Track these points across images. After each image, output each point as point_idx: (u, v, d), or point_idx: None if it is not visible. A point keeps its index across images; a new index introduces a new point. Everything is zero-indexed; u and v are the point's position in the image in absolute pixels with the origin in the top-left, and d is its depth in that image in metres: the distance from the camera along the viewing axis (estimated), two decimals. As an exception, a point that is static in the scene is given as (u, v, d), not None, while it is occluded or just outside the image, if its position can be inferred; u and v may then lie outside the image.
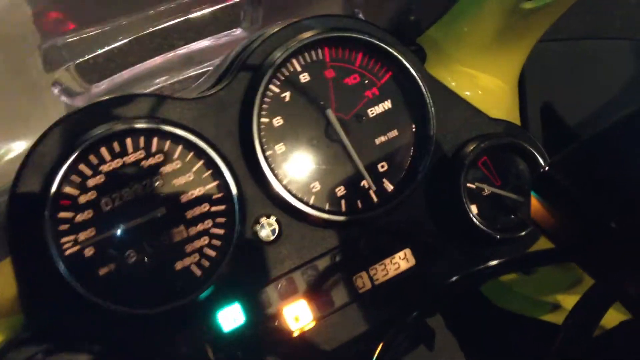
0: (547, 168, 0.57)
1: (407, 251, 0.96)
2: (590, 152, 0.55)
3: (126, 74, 1.08)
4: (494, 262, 0.63)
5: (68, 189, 0.81)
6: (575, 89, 1.27)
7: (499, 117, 1.03)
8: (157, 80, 1.17)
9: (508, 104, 1.11)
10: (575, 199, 0.54)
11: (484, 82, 1.07)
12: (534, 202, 0.57)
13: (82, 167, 0.82)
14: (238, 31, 1.14)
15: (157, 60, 1.12)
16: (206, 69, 1.19)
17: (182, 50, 1.13)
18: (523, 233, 0.96)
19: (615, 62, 1.30)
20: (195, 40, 1.12)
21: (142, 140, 0.84)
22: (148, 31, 1.07)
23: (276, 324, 0.89)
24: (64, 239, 0.80)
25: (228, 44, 1.14)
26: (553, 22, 1.03)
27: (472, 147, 0.95)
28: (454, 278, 0.67)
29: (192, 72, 1.23)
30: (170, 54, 1.12)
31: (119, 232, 0.82)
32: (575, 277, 1.06)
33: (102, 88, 1.08)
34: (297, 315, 0.90)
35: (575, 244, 0.56)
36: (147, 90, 1.08)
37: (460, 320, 1.15)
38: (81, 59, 1.03)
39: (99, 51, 1.04)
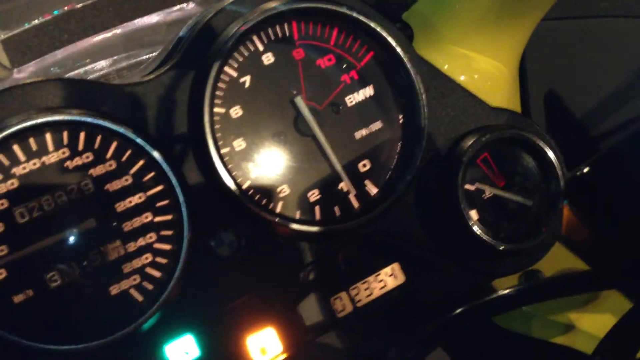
0: (586, 170, 0.45)
1: (395, 266, 0.91)
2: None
3: (57, 55, 0.97)
4: (514, 289, 0.53)
5: None
6: (583, 74, 1.20)
7: (498, 105, 0.97)
8: (98, 65, 1.06)
9: (508, 90, 1.05)
10: (627, 206, 0.43)
11: (481, 65, 1.01)
12: (569, 214, 0.46)
13: (-11, 169, 0.73)
14: (191, 5, 1.04)
15: (96, 39, 1.01)
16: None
17: (125, 27, 1.01)
18: (531, 244, 0.90)
19: (627, 43, 1.22)
20: (140, 16, 1.01)
21: (65, 135, 0.75)
22: (84, 3, 0.95)
23: (238, 357, 0.84)
24: None
25: (181, 20, 1.03)
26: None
27: (470, 142, 0.89)
28: (462, 309, 0.56)
29: (144, 57, 1.12)
30: (111, 32, 1.01)
31: (37, 250, 0.74)
32: (589, 294, 0.98)
33: (27, 72, 0.97)
34: (264, 347, 0.84)
35: (626, 266, 0.44)
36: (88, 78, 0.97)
37: (458, 342, 1.06)
38: (1, 36, 0.91)
39: (24, 27, 0.91)
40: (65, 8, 1.00)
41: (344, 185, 0.86)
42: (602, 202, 0.47)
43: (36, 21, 0.97)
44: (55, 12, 0.99)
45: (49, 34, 1.01)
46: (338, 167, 0.85)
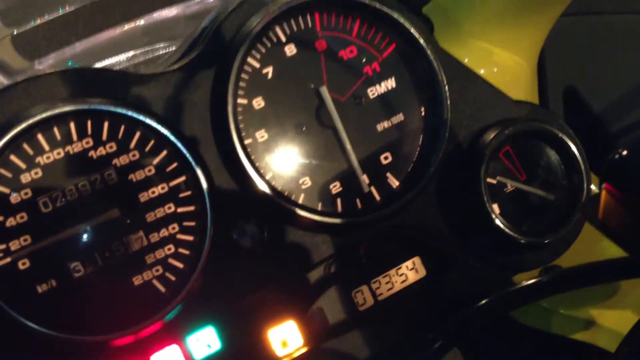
0: (625, 152, 0.45)
1: (416, 260, 0.90)
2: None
3: (76, 48, 0.96)
4: (545, 278, 0.52)
5: None
6: (601, 69, 1.21)
7: (517, 98, 0.96)
8: (117, 59, 1.05)
9: (527, 84, 1.04)
10: None
11: (501, 59, 1.00)
12: (607, 198, 0.45)
13: (14, 158, 0.73)
14: (210, -2, 1.03)
15: (115, 33, 1.00)
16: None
17: (145, 21, 1.01)
18: (554, 237, 0.89)
19: None
20: (160, 9, 1.00)
21: (89, 124, 0.75)
22: (102, -3, 0.95)
23: (259, 350, 0.83)
24: None
25: (200, 14, 1.03)
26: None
27: (493, 135, 0.88)
28: (483, 302, 0.55)
29: (162, 51, 1.11)
30: (131, 26, 1.00)
31: (60, 240, 0.74)
32: (611, 287, 0.99)
33: (47, 64, 0.97)
34: (285, 339, 0.84)
35: None
36: (104, 69, 0.96)
37: (478, 338, 1.04)
38: (21, 29, 0.91)
39: (44, 19, 0.91)
40: (80, 2, 1.00)
41: (365, 178, 0.85)
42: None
43: (54, 15, 0.97)
44: (69, 6, 0.99)
45: (67, 28, 1.01)
46: (354, 161, 0.84)
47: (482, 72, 0.96)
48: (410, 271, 0.89)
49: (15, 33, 0.93)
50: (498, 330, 1.04)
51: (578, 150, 0.90)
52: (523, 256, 0.91)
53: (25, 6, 0.93)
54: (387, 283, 0.88)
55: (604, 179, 0.48)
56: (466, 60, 0.96)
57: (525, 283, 0.74)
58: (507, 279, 0.93)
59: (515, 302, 0.78)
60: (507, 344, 1.05)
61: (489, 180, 0.88)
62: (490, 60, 0.99)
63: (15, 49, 0.93)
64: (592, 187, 0.92)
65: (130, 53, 1.11)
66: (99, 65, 1.06)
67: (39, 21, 0.94)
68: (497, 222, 0.86)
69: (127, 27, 1.01)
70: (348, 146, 0.84)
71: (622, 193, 0.47)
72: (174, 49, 0.99)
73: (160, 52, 1.12)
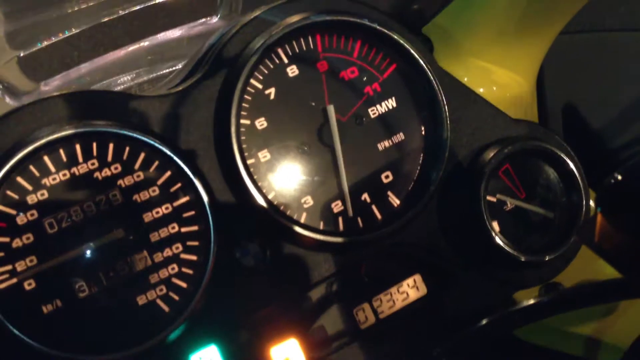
0: (620, 177, 0.45)
1: (417, 278, 0.90)
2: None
3: (81, 69, 0.97)
4: (538, 300, 0.52)
5: (2, 208, 0.73)
6: (600, 86, 1.22)
7: (516, 117, 0.96)
8: (122, 79, 1.06)
9: (526, 103, 1.05)
10: None
11: (500, 77, 1.01)
12: (602, 222, 0.46)
13: (20, 180, 0.73)
14: (214, 19, 1.05)
15: (119, 53, 1.01)
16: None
17: (149, 42, 1.02)
18: (554, 255, 0.89)
19: None
20: (164, 30, 1.01)
21: (94, 146, 0.76)
22: (107, 18, 0.96)
23: None
24: None
25: (203, 35, 1.04)
26: (577, 9, 0.96)
27: (493, 153, 0.89)
28: (483, 321, 0.56)
29: (166, 70, 1.13)
30: (135, 47, 1.01)
31: (66, 260, 0.74)
32: (611, 304, 0.97)
33: (53, 86, 0.97)
34: (287, 358, 0.82)
35: None
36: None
37: (479, 355, 1.04)
38: (26, 51, 0.92)
39: (50, 41, 0.92)
40: (88, 24, 1.00)
41: (366, 197, 0.86)
42: (636, 209, 0.47)
43: (60, 37, 0.97)
44: (74, 29, 0.99)
45: (72, 50, 1.02)
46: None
47: (481, 90, 0.97)
48: (411, 289, 0.89)
49: (21, 55, 0.94)
50: (500, 348, 1.04)
51: (576, 168, 0.90)
52: (523, 273, 0.91)
53: (31, 29, 0.94)
54: (388, 301, 0.88)
55: (599, 203, 0.48)
56: (465, 80, 0.96)
57: (526, 303, 0.74)
58: (507, 296, 0.93)
59: (516, 322, 0.78)
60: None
61: (488, 198, 0.88)
62: (490, 79, 1.00)
63: (22, 71, 0.94)
64: (592, 204, 0.92)
65: (135, 73, 1.12)
66: (103, 85, 1.07)
67: (45, 43, 0.95)
68: (497, 239, 0.86)
69: (131, 48, 1.02)
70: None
71: (617, 218, 0.47)
72: (177, 68, 1.00)
73: (165, 72, 1.13)
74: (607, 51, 1.25)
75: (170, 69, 1.10)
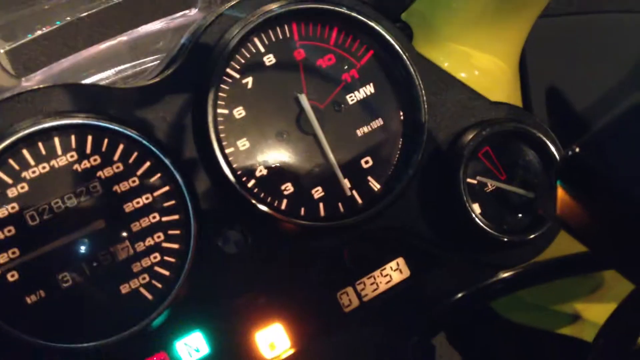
0: (577, 149, 0.46)
1: (400, 260, 0.90)
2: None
3: (63, 64, 0.97)
4: (511, 273, 0.53)
5: None
6: (584, 68, 1.20)
7: (499, 100, 0.96)
8: (105, 73, 1.06)
9: (509, 86, 1.05)
10: (620, 185, 0.43)
11: (481, 62, 1.00)
12: (562, 194, 0.47)
13: (0, 174, 0.74)
14: (193, 11, 1.04)
15: (101, 47, 1.01)
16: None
17: (130, 35, 1.02)
18: (534, 235, 0.89)
19: (628, 38, 1.22)
20: (144, 23, 1.01)
21: (73, 138, 0.76)
22: (87, 12, 0.96)
23: (247, 353, 0.84)
24: None
25: (185, 27, 1.04)
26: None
27: (471, 136, 0.89)
28: (462, 294, 0.57)
29: (150, 64, 1.12)
30: (116, 40, 1.01)
31: (48, 251, 0.75)
32: (595, 282, 0.99)
33: (35, 81, 0.97)
34: (272, 342, 0.84)
35: (619, 245, 0.45)
36: (92, 84, 0.97)
37: (462, 336, 1.05)
38: (7, 47, 0.92)
39: (28, 37, 0.92)
40: (68, 18, 1.01)
41: (347, 182, 0.86)
42: (594, 181, 0.47)
43: (40, 32, 0.98)
44: (58, 23, 1.00)
45: (52, 45, 1.02)
46: (335, 165, 0.85)
47: (462, 75, 0.97)
48: (394, 272, 0.90)
49: (1, 52, 0.95)
50: (486, 328, 1.05)
51: (556, 148, 0.91)
52: (505, 254, 0.92)
53: (11, 25, 0.94)
54: (372, 284, 0.89)
55: (558, 176, 0.49)
56: (446, 65, 0.96)
57: (501, 275, 0.75)
58: (491, 277, 0.94)
59: (494, 293, 0.79)
60: (495, 341, 1.06)
61: (469, 180, 0.89)
62: (470, 63, 0.99)
63: (2, 68, 0.94)
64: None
65: (119, 67, 1.12)
66: (87, 80, 1.07)
67: (25, 39, 0.95)
68: (478, 221, 0.87)
69: (113, 42, 1.02)
70: (329, 152, 0.84)
71: (576, 190, 0.48)
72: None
73: (149, 65, 1.13)
74: (592, 33, 1.25)
75: (154, 62, 1.10)
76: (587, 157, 0.48)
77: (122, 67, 1.11)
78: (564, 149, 0.92)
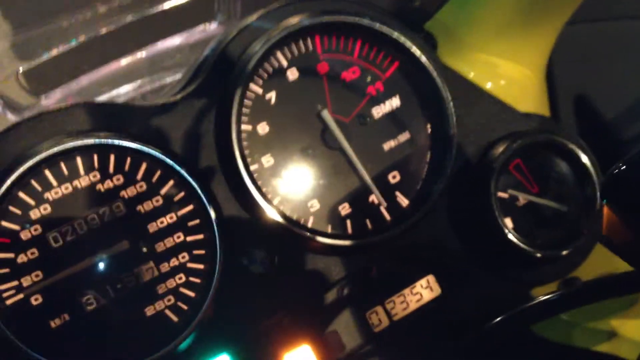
0: (623, 166, 0.44)
1: (430, 278, 0.90)
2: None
3: (82, 81, 0.97)
4: (554, 295, 0.52)
5: (5, 224, 0.73)
6: (612, 76, 1.20)
7: (526, 110, 0.96)
8: (124, 89, 1.06)
9: (536, 95, 1.03)
10: None
11: (507, 71, 1.00)
12: (608, 213, 0.45)
13: (22, 195, 0.73)
14: (213, 26, 1.05)
15: (120, 64, 1.02)
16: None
17: (149, 51, 1.02)
18: (569, 249, 0.88)
19: None
20: (163, 39, 1.01)
21: (95, 158, 0.76)
22: (105, 30, 0.96)
23: None
24: (3, 286, 0.72)
25: (203, 42, 1.04)
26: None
27: (502, 149, 0.88)
28: (500, 318, 0.55)
29: (169, 79, 1.13)
30: (135, 57, 1.02)
31: (72, 274, 0.74)
32: (630, 297, 0.95)
33: (54, 99, 0.98)
34: None
35: None
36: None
37: (497, 353, 1.03)
38: (26, 66, 0.92)
39: (47, 55, 0.92)
40: (85, 35, 1.01)
41: (374, 198, 0.85)
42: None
43: (57, 50, 0.98)
44: (73, 41, 1.00)
45: (71, 63, 1.02)
46: (367, 179, 0.84)
47: (488, 85, 0.97)
48: (424, 290, 0.89)
49: (21, 70, 0.95)
50: (519, 345, 1.02)
51: (590, 160, 0.89)
52: (539, 270, 0.90)
53: (30, 43, 0.95)
54: (401, 303, 0.88)
55: (603, 194, 0.48)
56: (472, 75, 0.96)
57: (542, 298, 0.74)
58: (524, 294, 0.92)
59: (533, 317, 0.77)
60: (527, 358, 1.03)
61: (500, 194, 0.88)
62: (496, 73, 0.99)
63: (21, 86, 0.94)
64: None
65: (138, 83, 1.12)
66: (106, 96, 1.07)
67: (44, 57, 0.95)
68: (510, 236, 0.85)
69: (131, 58, 1.02)
70: (359, 166, 0.84)
71: (622, 209, 0.46)
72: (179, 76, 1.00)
73: (168, 81, 1.14)
74: (618, 40, 1.24)
75: (173, 78, 1.11)
76: (635, 174, 0.47)
77: (141, 82, 1.11)
78: (596, 160, 0.91)
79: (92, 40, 0.99)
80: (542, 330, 1.01)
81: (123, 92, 1.11)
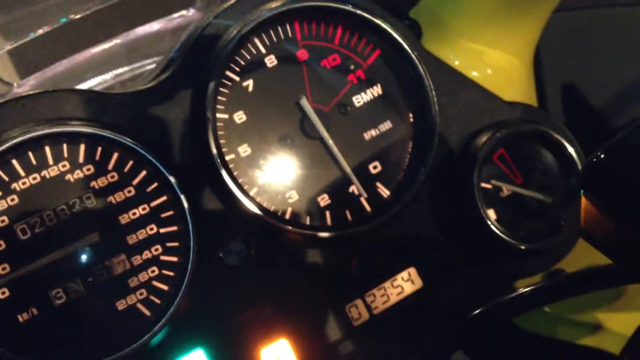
0: (602, 155, 0.43)
1: (412, 271, 0.88)
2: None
3: (57, 69, 0.95)
4: (534, 287, 0.50)
5: None
6: (600, 65, 1.19)
7: (513, 100, 0.95)
8: (102, 77, 1.04)
9: (523, 85, 1.03)
10: None
11: (494, 59, 0.99)
12: (586, 204, 0.43)
13: (-12, 186, 0.72)
14: (191, 12, 1.02)
15: (97, 50, 0.99)
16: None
17: (127, 37, 1.00)
18: (553, 242, 0.87)
19: None
20: (141, 25, 0.99)
21: (65, 147, 0.74)
22: (80, 14, 0.94)
23: None
24: None
25: (183, 28, 1.02)
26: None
27: (485, 138, 0.87)
28: (481, 309, 0.54)
29: (148, 67, 1.11)
30: (112, 43, 0.99)
31: (40, 267, 0.73)
32: (616, 290, 0.97)
33: (27, 86, 0.95)
34: (278, 358, 0.82)
35: None
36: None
37: (480, 346, 1.02)
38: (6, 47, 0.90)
39: (20, 41, 0.90)
40: (64, 19, 0.99)
41: (354, 189, 0.84)
42: (622, 189, 0.44)
43: (35, 34, 0.96)
44: (47, 25, 0.98)
45: (48, 47, 1.00)
46: (347, 169, 0.83)
47: (474, 74, 0.96)
48: (406, 282, 0.87)
49: (-7, 56, 0.93)
50: (502, 339, 1.02)
51: (575, 150, 0.88)
52: (523, 262, 0.89)
53: (3, 28, 0.92)
54: (382, 296, 0.86)
55: (582, 185, 0.46)
56: (457, 63, 0.95)
57: (525, 290, 0.72)
58: (507, 286, 0.91)
59: (516, 309, 0.76)
60: (512, 353, 1.03)
61: (483, 185, 0.86)
62: (482, 61, 0.98)
63: (-5, 73, 0.92)
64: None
65: (116, 71, 1.10)
66: (82, 85, 1.05)
67: (16, 43, 0.93)
68: (493, 228, 0.84)
69: (109, 44, 1.00)
70: (339, 156, 0.83)
71: (603, 200, 0.45)
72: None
73: (147, 68, 1.12)
74: (607, 28, 1.23)
75: (153, 65, 1.09)
76: (614, 163, 0.45)
77: (120, 70, 1.10)
78: (583, 150, 0.90)
79: (68, 25, 0.97)
80: (525, 323, 1.00)
81: (101, 80, 1.08)
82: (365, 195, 0.84)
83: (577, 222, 0.48)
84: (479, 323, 0.74)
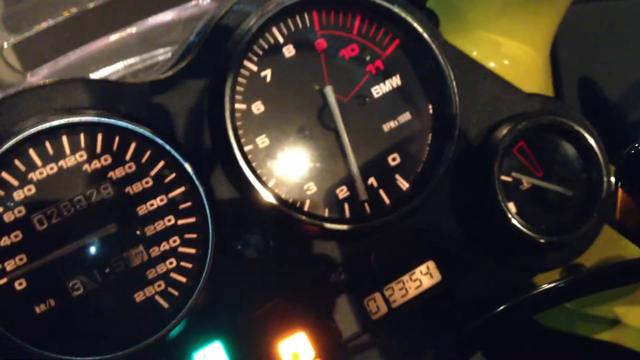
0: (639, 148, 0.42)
1: (430, 264, 0.88)
2: None
3: (70, 58, 0.95)
4: (560, 283, 0.50)
5: None
6: (617, 56, 1.18)
7: (530, 91, 0.94)
8: (115, 67, 1.04)
9: (540, 76, 1.03)
10: None
11: (511, 50, 0.99)
12: (623, 197, 0.43)
13: (5, 175, 0.72)
14: (206, 0, 1.01)
15: (110, 40, 0.99)
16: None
17: (139, 27, 1.00)
18: (574, 235, 0.86)
19: None
20: (154, 14, 0.99)
21: (82, 137, 0.74)
22: (94, 4, 0.94)
23: None
24: None
25: (197, 17, 1.02)
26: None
27: (505, 130, 0.86)
28: (502, 307, 0.54)
29: (161, 57, 1.10)
30: (126, 33, 0.99)
31: (58, 258, 0.73)
32: (634, 285, 0.93)
33: (41, 76, 0.95)
34: (296, 352, 0.82)
35: None
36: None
37: (498, 341, 1.02)
38: (12, 42, 0.90)
39: (34, 31, 0.90)
40: (75, 9, 0.98)
41: (373, 181, 0.84)
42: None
43: (47, 23, 0.96)
44: (61, 15, 0.98)
45: (60, 37, 1.00)
46: (354, 166, 0.82)
47: (492, 65, 0.96)
48: (424, 276, 0.87)
49: (6, 46, 0.93)
50: (520, 334, 1.01)
51: (596, 142, 0.88)
52: (542, 256, 0.89)
53: (15, 18, 0.92)
54: (400, 289, 0.86)
55: (619, 176, 0.45)
56: (475, 54, 0.95)
57: (547, 286, 0.72)
58: (527, 280, 0.91)
59: (537, 306, 0.75)
60: (530, 348, 1.03)
61: (503, 177, 0.86)
62: (500, 52, 0.98)
63: (6, 62, 0.92)
64: (613, 180, 0.89)
65: (129, 61, 1.10)
66: (95, 74, 1.05)
67: (30, 32, 0.93)
68: (514, 221, 0.84)
69: (121, 34, 1.00)
70: (348, 149, 0.82)
71: (639, 192, 0.44)
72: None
73: (160, 58, 1.12)
74: (624, 20, 1.22)
75: (166, 55, 1.08)
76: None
77: (132, 60, 1.09)
78: (602, 141, 0.89)
79: (81, 15, 0.97)
80: (544, 319, 1.00)
81: (113, 70, 1.09)
82: (365, 197, 0.83)
83: (609, 214, 0.47)
84: (500, 321, 0.73)
